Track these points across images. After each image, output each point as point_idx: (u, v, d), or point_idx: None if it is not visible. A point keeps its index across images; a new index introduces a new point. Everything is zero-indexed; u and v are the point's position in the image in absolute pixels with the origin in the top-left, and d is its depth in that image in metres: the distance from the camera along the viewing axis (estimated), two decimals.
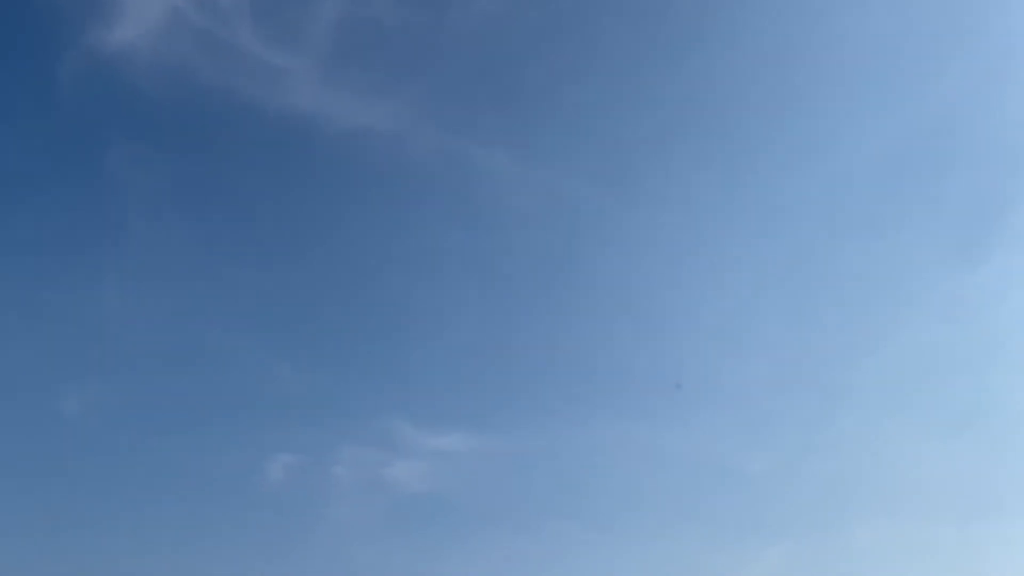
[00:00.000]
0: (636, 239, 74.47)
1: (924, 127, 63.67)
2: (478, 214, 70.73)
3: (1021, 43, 59.85)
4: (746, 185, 65.88)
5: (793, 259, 75.27)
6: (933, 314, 74.93)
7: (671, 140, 62.72)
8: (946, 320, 75.21)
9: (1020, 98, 60.80)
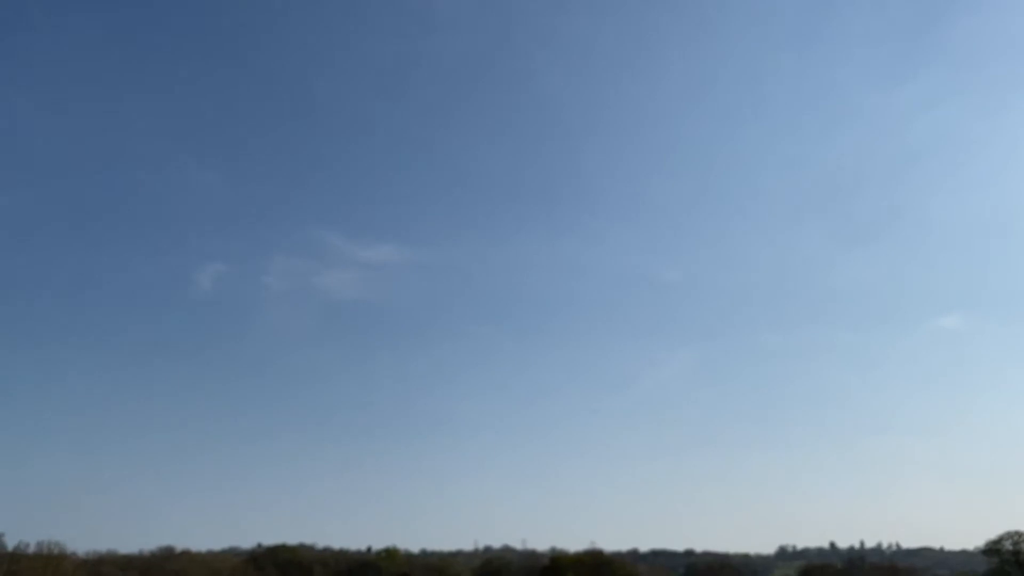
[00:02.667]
0: (569, 47, 79.61)
1: None
2: (401, 12, 75.00)
3: None
4: None
5: (721, 71, 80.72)
6: (856, 128, 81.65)
7: None
8: (868, 134, 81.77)
9: None
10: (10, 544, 69.93)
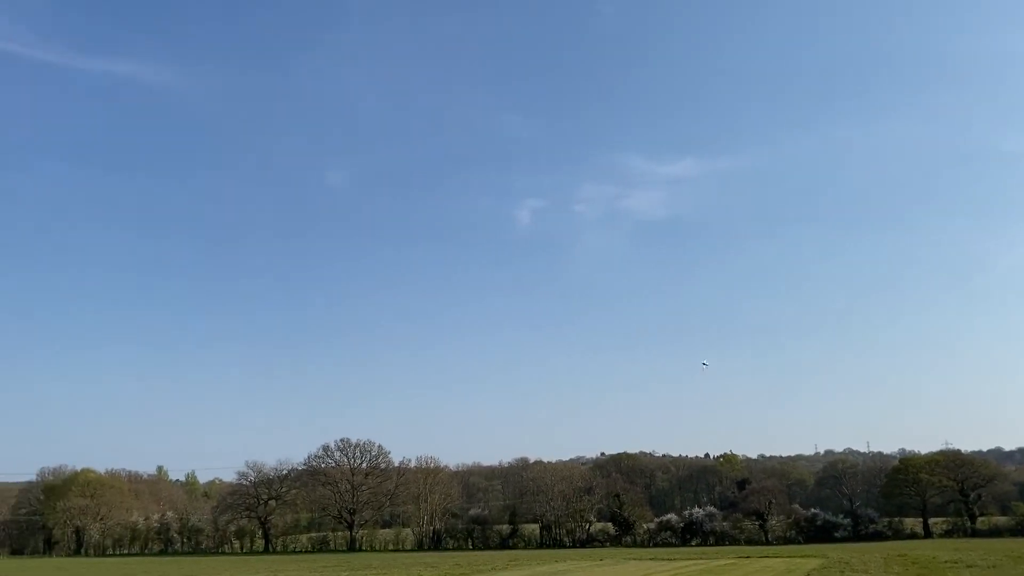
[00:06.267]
0: None
1: None
2: None
3: None
4: None
5: None
6: None
7: None
8: None
9: None
10: (396, 461, 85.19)
